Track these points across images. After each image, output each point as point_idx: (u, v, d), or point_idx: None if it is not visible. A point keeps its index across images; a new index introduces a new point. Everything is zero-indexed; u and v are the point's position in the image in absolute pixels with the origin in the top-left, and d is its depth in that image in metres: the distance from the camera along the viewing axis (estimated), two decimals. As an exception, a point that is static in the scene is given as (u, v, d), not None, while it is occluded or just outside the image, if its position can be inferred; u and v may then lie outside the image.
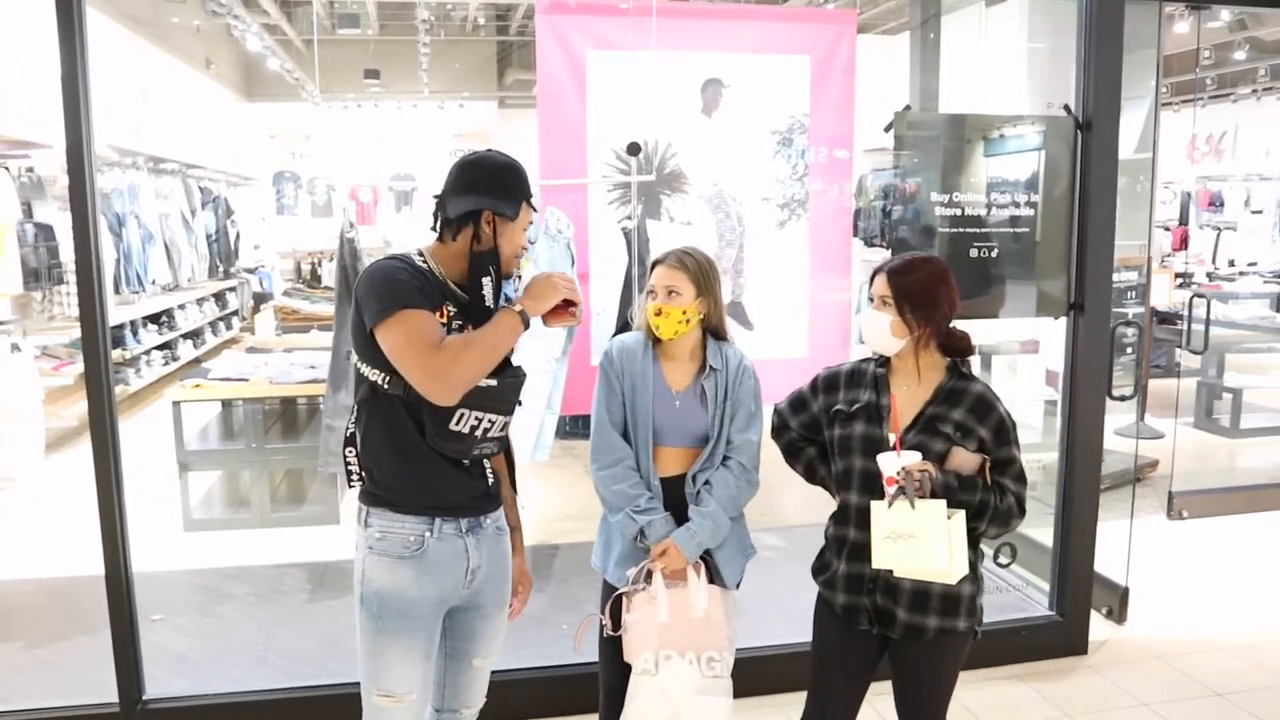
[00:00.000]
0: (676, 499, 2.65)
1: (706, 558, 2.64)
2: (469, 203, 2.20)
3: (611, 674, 2.73)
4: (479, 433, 2.21)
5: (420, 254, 2.23)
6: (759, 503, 2.70)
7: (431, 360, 2.06)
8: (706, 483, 2.64)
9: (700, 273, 2.63)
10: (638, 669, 2.58)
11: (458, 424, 2.17)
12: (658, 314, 2.61)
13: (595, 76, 3.88)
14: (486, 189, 2.21)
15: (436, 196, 2.27)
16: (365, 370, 2.18)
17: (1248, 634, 4.24)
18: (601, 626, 2.68)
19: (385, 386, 2.15)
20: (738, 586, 2.73)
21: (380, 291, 2.10)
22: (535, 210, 2.31)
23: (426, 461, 2.19)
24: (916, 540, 2.20)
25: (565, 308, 2.31)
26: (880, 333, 2.40)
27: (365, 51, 13.33)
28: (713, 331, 2.71)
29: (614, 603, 2.63)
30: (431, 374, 2.06)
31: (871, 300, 2.42)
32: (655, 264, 2.68)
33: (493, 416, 2.22)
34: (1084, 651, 4.04)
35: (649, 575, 2.59)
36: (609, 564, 2.71)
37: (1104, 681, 3.84)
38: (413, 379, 2.08)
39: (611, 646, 2.68)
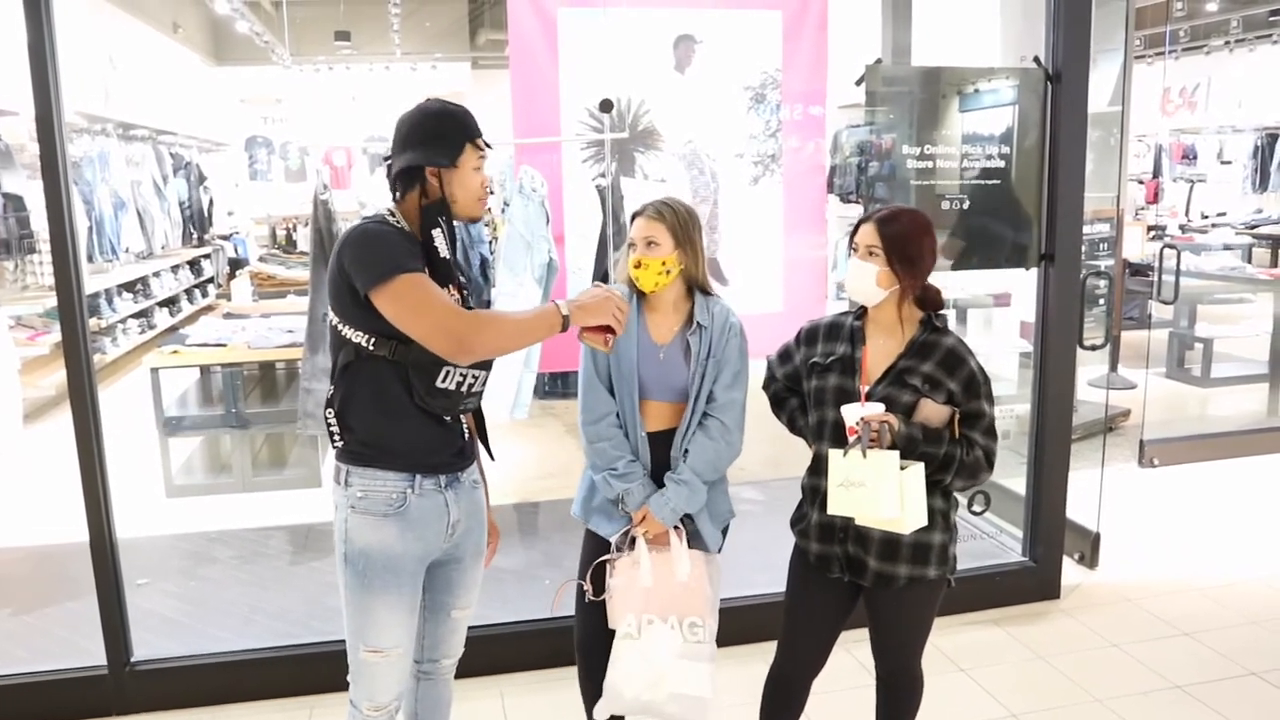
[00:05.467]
0: (662, 455, 2.63)
1: (688, 522, 2.63)
2: (405, 159, 2.21)
3: (585, 633, 2.73)
4: (464, 389, 2.23)
5: (391, 213, 2.23)
6: (739, 457, 2.72)
7: (452, 322, 2.06)
8: (687, 450, 2.61)
9: (679, 223, 2.57)
10: (620, 633, 2.56)
11: (444, 381, 2.18)
12: (637, 266, 2.57)
13: (567, 34, 3.86)
14: (419, 141, 2.21)
15: (386, 157, 2.27)
16: (348, 333, 2.17)
17: (1215, 576, 4.34)
18: (582, 591, 2.68)
19: (370, 348, 2.15)
20: (719, 551, 2.72)
21: (373, 256, 2.08)
22: (484, 150, 2.26)
23: (410, 420, 2.19)
24: (866, 489, 2.26)
25: (604, 330, 2.28)
26: (865, 283, 2.40)
27: (335, 13, 13.09)
28: (697, 285, 2.65)
29: (596, 569, 2.63)
30: (453, 335, 2.06)
31: (855, 251, 2.43)
32: (635, 215, 2.63)
33: (476, 372, 2.24)
34: (1056, 596, 4.13)
35: (633, 541, 2.59)
36: (590, 514, 2.71)
37: (1076, 624, 3.93)
38: (429, 340, 2.07)
39: (588, 606, 2.68)
